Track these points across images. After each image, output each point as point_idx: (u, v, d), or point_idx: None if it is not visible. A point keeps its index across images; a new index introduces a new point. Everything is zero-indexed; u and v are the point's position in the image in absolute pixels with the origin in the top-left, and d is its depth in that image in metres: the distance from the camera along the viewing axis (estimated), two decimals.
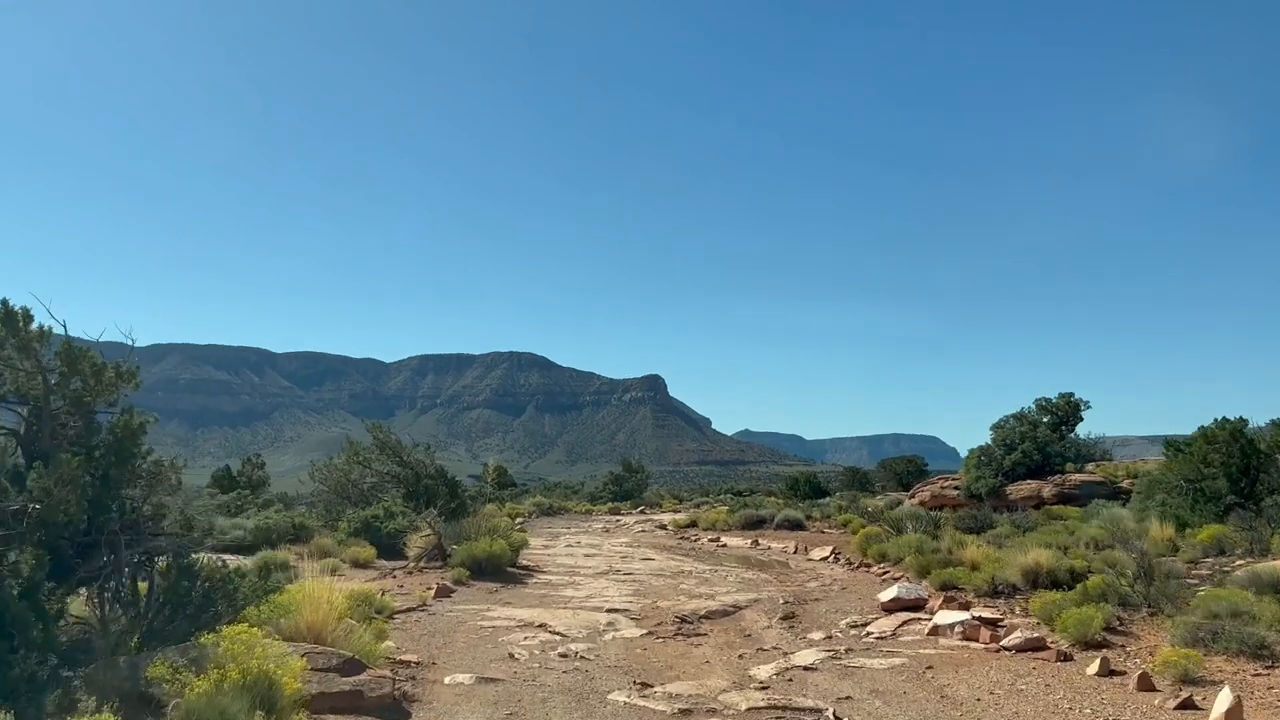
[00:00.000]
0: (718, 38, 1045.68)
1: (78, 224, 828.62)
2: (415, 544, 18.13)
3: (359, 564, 19.09)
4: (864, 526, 29.71)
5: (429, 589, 14.67)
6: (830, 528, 30.74)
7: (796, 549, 25.30)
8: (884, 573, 17.34)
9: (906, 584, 13.41)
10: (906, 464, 76.17)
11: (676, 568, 20.19)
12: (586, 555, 23.28)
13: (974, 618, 10.86)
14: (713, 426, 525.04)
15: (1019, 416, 32.87)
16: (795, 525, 31.06)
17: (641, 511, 48.33)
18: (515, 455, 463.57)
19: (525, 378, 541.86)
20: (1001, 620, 11.17)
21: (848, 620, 11.98)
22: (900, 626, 11.37)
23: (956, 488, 32.51)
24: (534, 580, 16.83)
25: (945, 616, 11.13)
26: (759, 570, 19.62)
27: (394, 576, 16.52)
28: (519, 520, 36.93)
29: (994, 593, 13.51)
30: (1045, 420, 33.02)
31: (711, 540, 29.39)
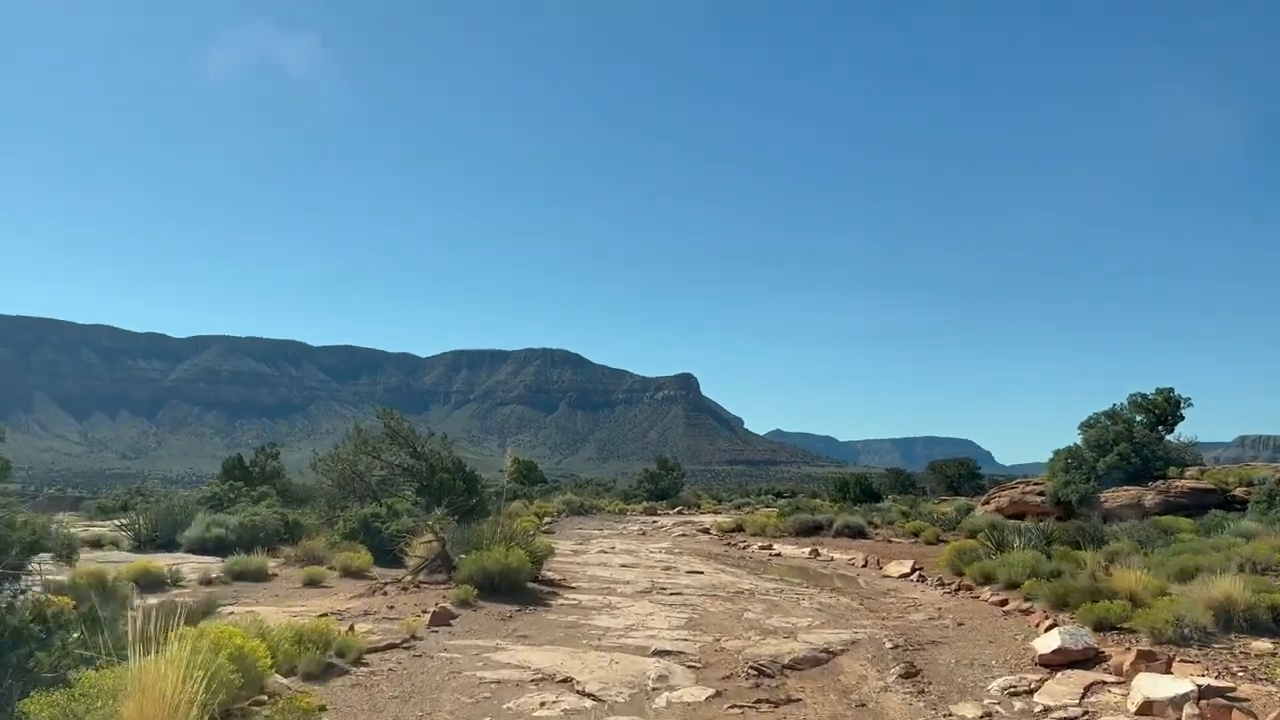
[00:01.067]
0: (765, 31, 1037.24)
1: (122, 218, 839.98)
2: (417, 551, 14.86)
3: (351, 572, 15.85)
4: (938, 535, 26.10)
5: (424, 613, 11.38)
6: (897, 536, 27.11)
7: (866, 562, 21.74)
8: (1002, 600, 13.77)
9: (1070, 628, 9.80)
10: (958, 466, 72.08)
11: (732, 584, 16.74)
12: (623, 565, 19.89)
13: (1207, 688, 7.30)
14: (745, 426, 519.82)
15: (1111, 415, 28.99)
16: (856, 533, 27.47)
17: (679, 512, 44.91)
18: (547, 451, 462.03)
19: (558, 374, 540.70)
20: (1234, 691, 7.61)
21: (999, 682, 8.43)
22: (1085, 696, 7.83)
23: (1041, 493, 28.71)
24: (559, 601, 13.46)
25: (1154, 684, 7.58)
26: (834, 591, 16.09)
27: (385, 593, 13.24)
28: (546, 520, 33.66)
29: (1181, 638, 9.94)
30: (1139, 419, 29.13)
31: (763, 548, 25.89)
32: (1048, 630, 11.03)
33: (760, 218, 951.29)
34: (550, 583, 15.33)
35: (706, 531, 31.23)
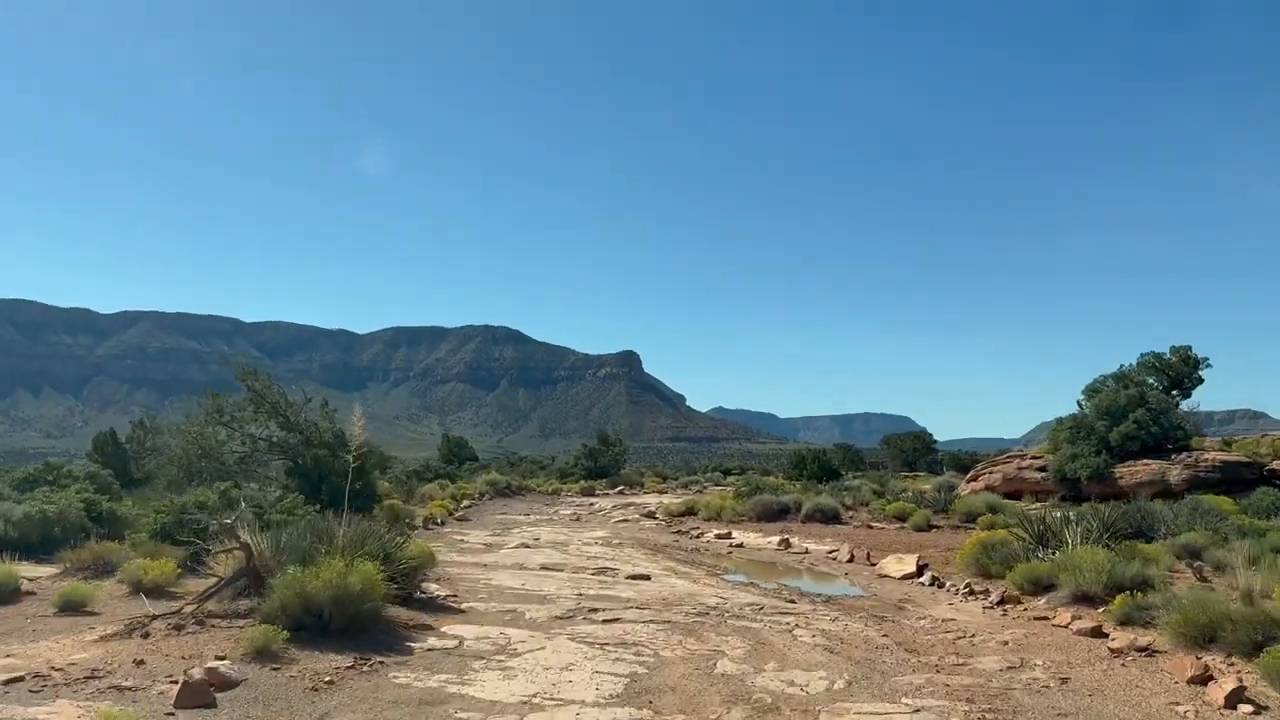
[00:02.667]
0: (689, 19, 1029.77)
1: (45, 191, 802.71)
2: (222, 564, 9.90)
3: (147, 588, 10.87)
4: (929, 520, 21.85)
5: (181, 679, 6.55)
6: (877, 521, 22.82)
7: (853, 556, 17.32)
8: (1094, 629, 9.33)
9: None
10: (914, 441, 68.78)
11: (691, 595, 12.12)
12: (544, 567, 15.14)
13: None
14: (687, 403, 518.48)
15: (1120, 377, 25.04)
16: (830, 517, 23.13)
17: (620, 492, 40.29)
18: (488, 429, 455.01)
19: (500, 351, 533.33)
20: None
21: None
22: None
23: (1042, 469, 24.67)
24: (428, 643, 8.67)
25: None
26: (837, 609, 11.55)
27: (146, 634, 8.31)
28: (465, 504, 28.78)
29: None
30: (1151, 382, 25.26)
31: (721, 537, 21.39)
32: (1233, 699, 6.58)
33: (703, 196, 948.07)
34: (428, 604, 10.53)
35: (652, 515, 26.65)
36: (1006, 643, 8.97)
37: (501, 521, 24.73)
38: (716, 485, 46.06)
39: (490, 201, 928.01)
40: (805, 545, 19.53)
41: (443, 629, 9.25)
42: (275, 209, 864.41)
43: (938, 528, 21.29)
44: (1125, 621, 9.43)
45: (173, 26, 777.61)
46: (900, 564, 15.54)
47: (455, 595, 11.37)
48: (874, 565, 16.31)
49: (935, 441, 69.15)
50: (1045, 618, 10.28)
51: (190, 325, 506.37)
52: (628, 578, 14.02)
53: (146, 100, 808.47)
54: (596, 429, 69.50)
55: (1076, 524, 12.92)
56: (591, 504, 32.35)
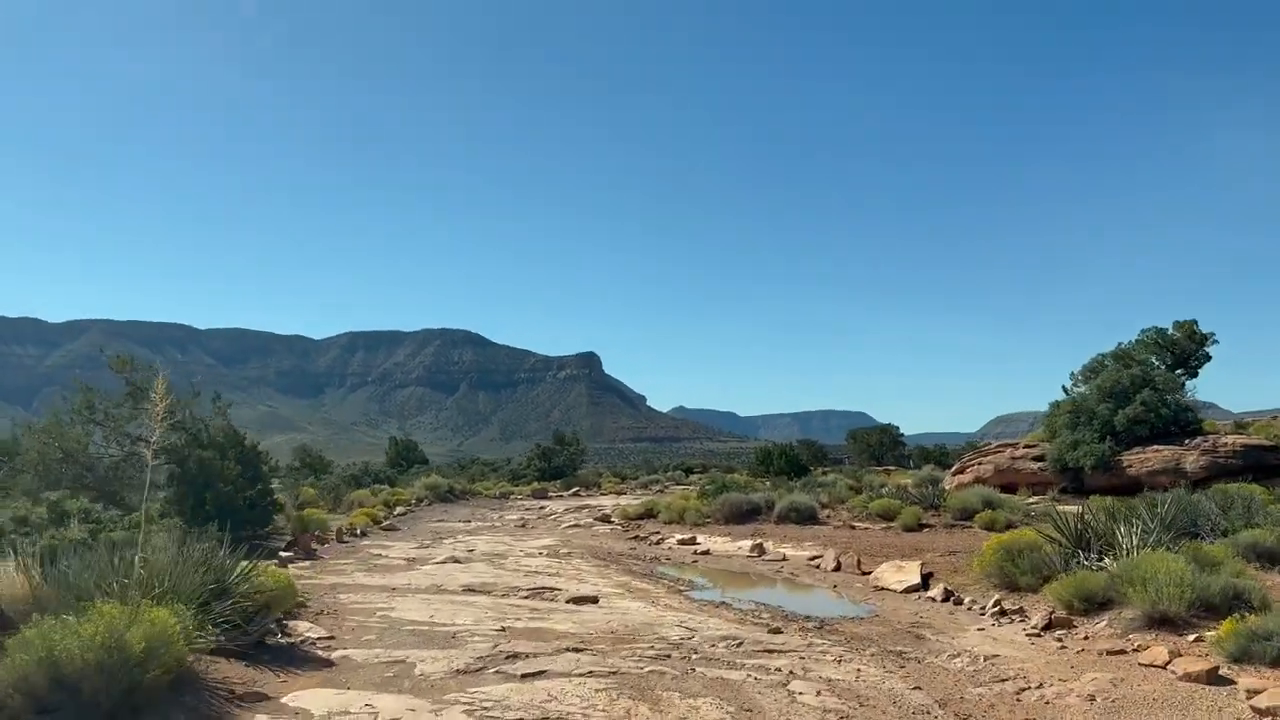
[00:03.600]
0: (646, 20, 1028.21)
1: None
2: None
3: None
4: (919, 519, 19.31)
5: None
6: (858, 520, 20.24)
7: (839, 564, 14.67)
8: (1208, 671, 6.70)
9: None
10: (880, 435, 66.47)
11: (649, 625, 9.36)
12: (467, 590, 12.28)
13: None
14: (648, 404, 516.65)
15: (1120, 356, 22.71)
16: (806, 517, 20.51)
17: (575, 494, 37.44)
18: (449, 433, 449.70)
19: (459, 355, 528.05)
20: None
21: None
22: None
23: (1039, 458, 22.26)
24: None
25: None
26: (843, 639, 8.85)
27: None
28: (399, 511, 25.80)
29: None
30: (1153, 361, 22.98)
31: (685, 542, 18.66)
32: None
33: (662, 197, 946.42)
34: (285, 652, 7.65)
35: (607, 519, 23.86)
36: (1093, 698, 6.31)
37: (436, 530, 21.79)
38: (679, 485, 43.41)
39: (448, 204, 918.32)
40: (782, 550, 16.87)
41: (285, 698, 6.38)
42: (229, 214, 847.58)
43: (929, 527, 18.74)
44: (1242, 658, 6.85)
45: (117, 26, 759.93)
46: (900, 573, 12.91)
47: (332, 637, 8.50)
48: (867, 575, 13.68)
49: (902, 435, 67.09)
50: (1120, 651, 7.65)
51: (142, 333, 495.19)
52: (570, 601, 11.22)
53: (95, 103, 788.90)
54: (557, 430, 66.61)
55: (1130, 521, 10.33)
56: (542, 508, 29.47)
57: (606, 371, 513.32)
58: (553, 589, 12.19)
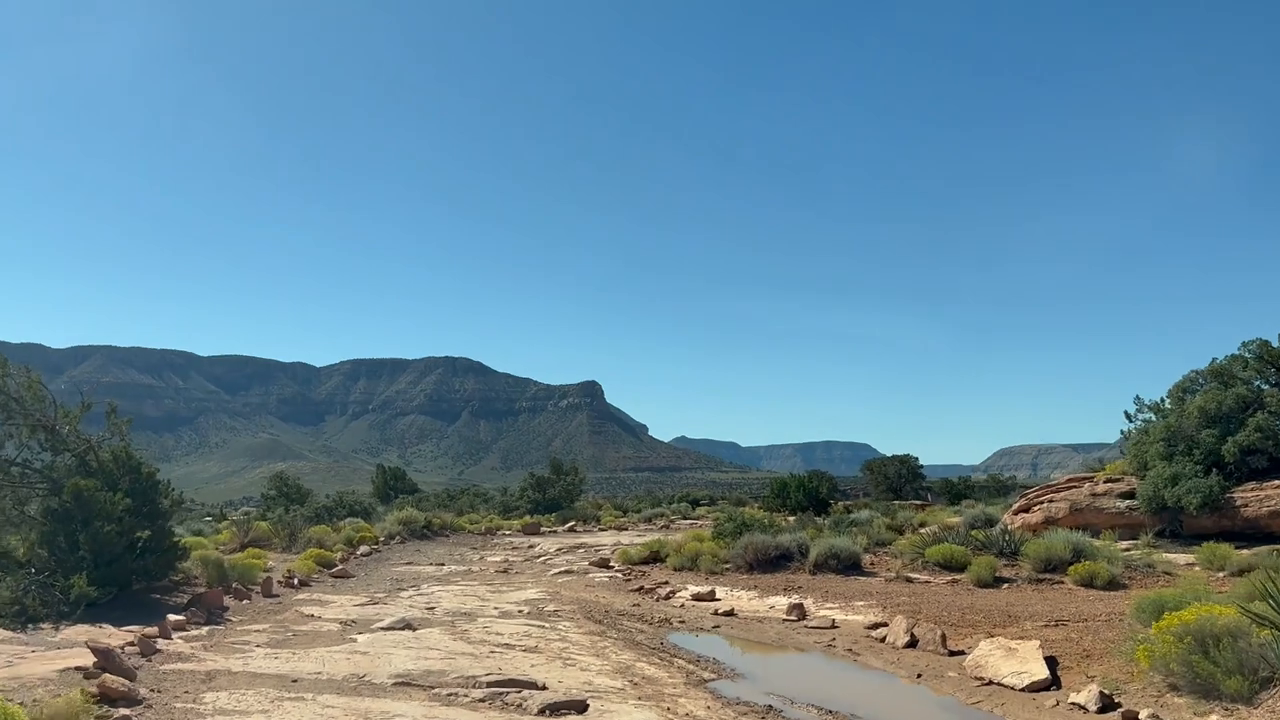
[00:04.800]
0: (647, 46, 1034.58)
1: None
2: None
3: None
4: (995, 571, 15.59)
5: None
6: (916, 570, 16.47)
7: (913, 638, 10.92)
8: None
9: None
10: (899, 466, 62.41)
11: None
12: (401, 682, 8.55)
13: None
14: (649, 433, 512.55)
15: (1218, 372, 19.02)
16: (849, 565, 16.78)
17: (571, 529, 33.63)
18: (449, 462, 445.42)
19: (460, 383, 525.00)
20: None
21: None
22: None
23: (1127, 495, 18.50)
24: None
25: None
26: None
27: None
28: (363, 550, 22.10)
29: None
30: (1257, 382, 19.28)
31: (701, 598, 14.94)
32: None
33: (664, 225, 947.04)
34: None
35: (606, 564, 20.09)
36: None
37: (398, 577, 18.06)
38: (685, 519, 39.64)
39: (450, 233, 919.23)
40: (828, 613, 13.15)
41: None
42: (231, 242, 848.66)
43: (1009, 582, 15.01)
44: None
45: (111, 38, 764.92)
46: (1012, 659, 9.19)
47: None
48: (959, 657, 9.99)
49: (921, 466, 63.17)
50: None
51: (144, 359, 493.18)
52: (545, 711, 7.51)
53: (99, 127, 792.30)
54: (554, 458, 62.82)
55: None
56: (531, 546, 25.69)
57: (608, 401, 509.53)
58: (524, 683, 8.46)
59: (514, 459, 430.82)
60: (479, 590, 16.20)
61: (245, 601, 13.36)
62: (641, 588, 16.31)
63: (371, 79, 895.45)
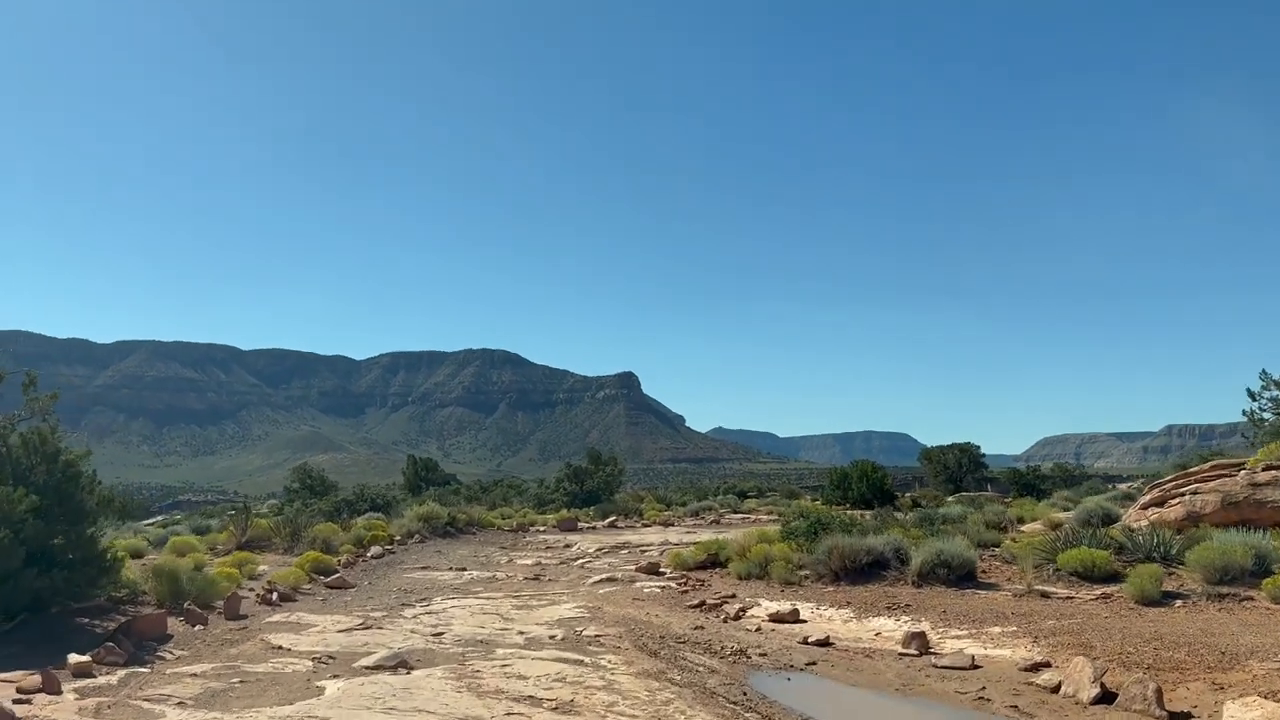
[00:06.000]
0: (689, 40, 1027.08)
1: (36, 219, 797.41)
2: None
3: None
4: (1159, 583, 12.22)
5: None
6: (1048, 582, 13.10)
7: (1104, 688, 7.65)
8: None
9: None
10: (959, 454, 58.74)
11: None
12: None
13: None
14: (686, 424, 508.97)
15: None
16: (962, 576, 13.47)
17: (611, 524, 30.54)
18: (488, 454, 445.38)
19: (498, 375, 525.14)
20: None
21: None
22: None
23: None
24: None
25: None
26: None
27: None
28: (373, 552, 19.19)
29: None
30: None
31: (781, 619, 11.75)
32: None
33: (699, 217, 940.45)
34: None
35: (655, 570, 16.92)
36: None
37: (408, 586, 15.06)
38: (735, 512, 36.38)
39: (488, 225, 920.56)
40: (959, 645, 9.90)
41: None
42: (271, 237, 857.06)
43: (1179, 597, 11.65)
44: None
45: (169, 52, 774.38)
46: None
47: None
48: None
49: (983, 455, 59.20)
50: None
51: (187, 354, 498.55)
52: None
53: (138, 127, 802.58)
54: (591, 448, 59.81)
55: None
56: (568, 545, 22.61)
57: (645, 392, 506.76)
58: None
59: (551, 450, 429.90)
60: (502, 605, 13.15)
61: (199, 627, 10.39)
62: (703, 603, 13.13)
63: (410, 75, 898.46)
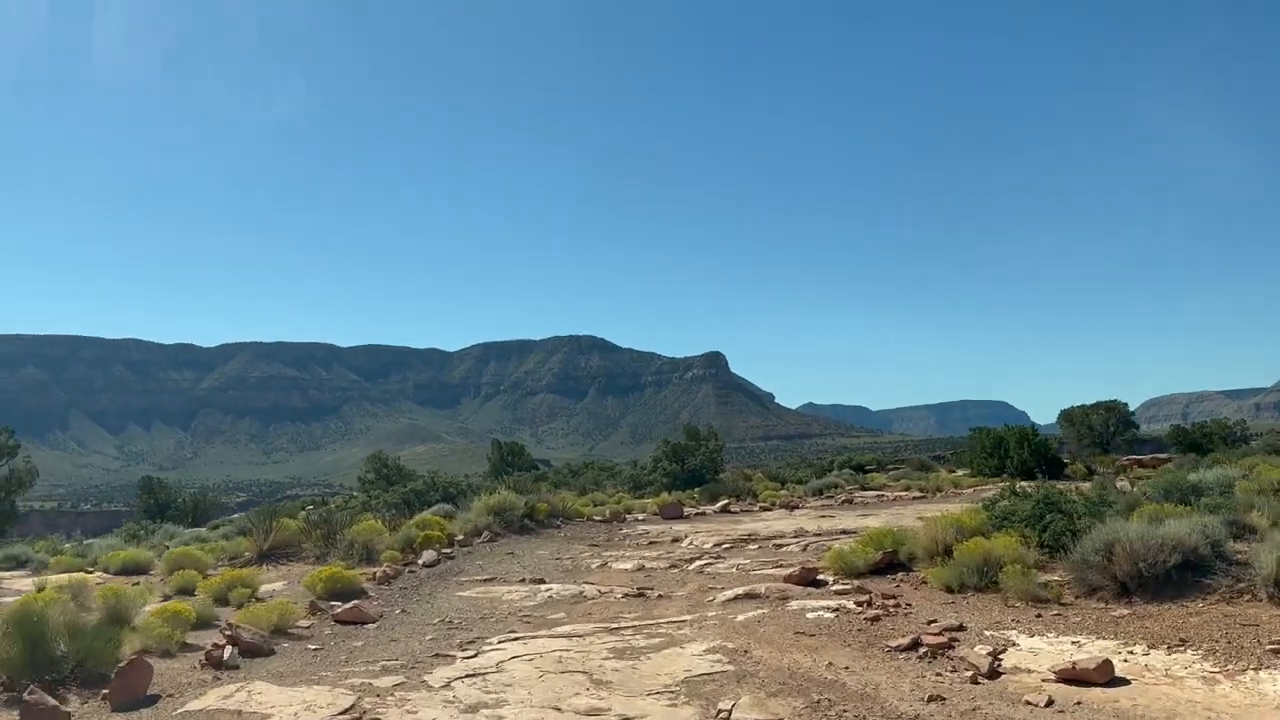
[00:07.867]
0: (762, 32, 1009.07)
1: (142, 233, 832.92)
2: None
3: None
4: None
5: None
6: None
7: None
8: None
9: None
10: (1105, 413, 51.89)
11: None
12: None
13: None
14: (776, 401, 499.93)
15: None
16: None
17: (725, 509, 25.50)
18: (579, 439, 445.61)
19: (586, 361, 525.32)
20: None
21: None
22: None
23: None
24: None
25: None
26: None
27: None
28: (426, 558, 14.59)
29: None
30: None
31: (1070, 678, 6.62)
32: None
33: (784, 195, 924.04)
34: None
35: (814, 579, 11.80)
36: None
37: (454, 618, 10.31)
38: (863, 489, 31.02)
39: (571, 216, 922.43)
40: None
41: None
42: (365, 238, 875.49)
43: None
44: None
45: (258, 59, 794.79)
46: None
47: None
48: None
49: (1133, 414, 52.14)
50: None
51: (288, 353, 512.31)
52: None
53: (234, 140, 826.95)
54: (688, 425, 54.96)
55: None
56: (676, 540, 17.62)
57: (733, 370, 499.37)
58: None
59: (642, 433, 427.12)
60: (592, 651, 8.29)
61: (144, 695, 5.77)
62: (917, 641, 7.95)
63: (494, 79, 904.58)
